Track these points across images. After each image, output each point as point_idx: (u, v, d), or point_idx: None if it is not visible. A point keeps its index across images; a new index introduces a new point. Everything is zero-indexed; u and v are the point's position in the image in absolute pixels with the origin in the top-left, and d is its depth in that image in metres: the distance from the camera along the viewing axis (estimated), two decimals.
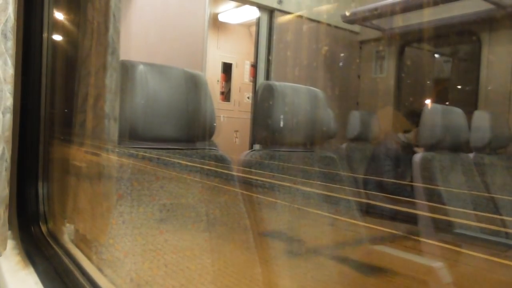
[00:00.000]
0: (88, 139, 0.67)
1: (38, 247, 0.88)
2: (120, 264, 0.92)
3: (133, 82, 1.03)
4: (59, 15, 0.95)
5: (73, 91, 0.75)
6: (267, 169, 1.32)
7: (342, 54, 3.54)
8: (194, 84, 1.17)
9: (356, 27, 3.48)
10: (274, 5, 2.95)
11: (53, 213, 0.93)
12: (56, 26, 0.95)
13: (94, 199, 0.64)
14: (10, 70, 0.65)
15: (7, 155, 0.67)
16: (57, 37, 0.97)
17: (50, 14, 0.94)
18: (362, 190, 2.79)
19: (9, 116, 0.66)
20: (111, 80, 0.60)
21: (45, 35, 0.95)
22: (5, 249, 0.72)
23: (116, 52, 0.60)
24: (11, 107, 0.66)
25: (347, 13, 2.95)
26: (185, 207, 1.09)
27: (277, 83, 1.40)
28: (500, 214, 2.12)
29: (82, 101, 0.69)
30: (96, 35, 0.63)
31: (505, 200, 2.19)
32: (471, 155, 2.29)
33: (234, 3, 3.73)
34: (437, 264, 1.04)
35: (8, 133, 0.66)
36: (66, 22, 0.95)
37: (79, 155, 0.71)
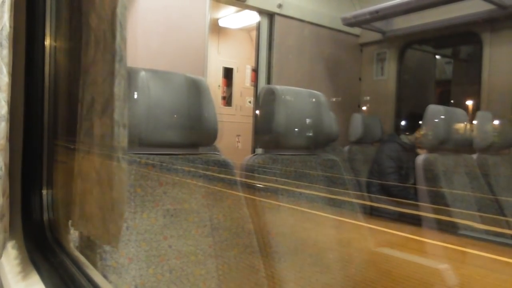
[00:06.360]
0: (96, 146, 0.67)
1: (43, 254, 0.88)
2: (125, 270, 0.92)
3: (135, 89, 1.04)
4: (61, 24, 0.96)
5: (77, 99, 0.75)
6: (270, 173, 1.32)
7: (343, 57, 3.55)
8: (195, 90, 1.18)
9: (356, 30, 3.49)
10: (274, 9, 2.96)
11: (57, 220, 0.93)
12: (59, 35, 0.96)
13: (104, 205, 0.64)
14: (6, 79, 0.65)
15: (2, 163, 0.67)
16: (60, 46, 0.97)
17: (52, 22, 0.95)
18: (365, 193, 2.78)
19: (4, 125, 0.66)
20: (120, 87, 0.61)
21: (47, 43, 0.95)
22: (0, 257, 0.73)
23: (123, 59, 0.61)
24: (7, 116, 0.67)
25: (347, 16, 2.96)
26: (188, 212, 1.09)
27: (278, 86, 1.40)
28: (505, 215, 2.11)
29: (87, 108, 0.69)
30: (102, 44, 0.63)
31: (510, 201, 2.18)
32: (474, 156, 2.29)
33: (234, 8, 3.74)
34: (443, 266, 1.04)
35: (3, 142, 0.67)
36: (68, 31, 0.95)
37: (86, 162, 0.72)
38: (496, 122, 2.28)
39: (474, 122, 2.29)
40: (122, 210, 0.64)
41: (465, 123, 2.18)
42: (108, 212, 0.64)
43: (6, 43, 0.65)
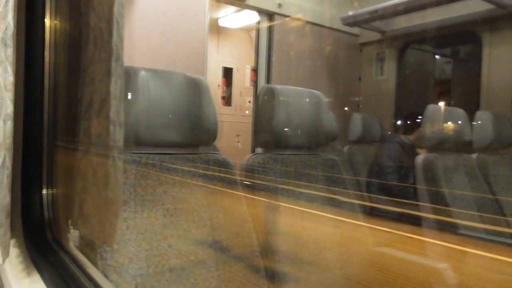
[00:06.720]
0: (93, 145, 0.67)
1: (43, 253, 0.88)
2: (125, 269, 0.93)
3: (135, 88, 1.04)
4: (60, 23, 0.96)
5: (76, 98, 0.75)
6: (270, 172, 1.32)
7: (342, 57, 3.55)
8: (195, 89, 1.18)
9: (356, 30, 3.49)
10: (274, 9, 2.96)
11: (57, 220, 0.93)
12: (58, 34, 0.96)
13: (101, 205, 0.64)
14: (11, 78, 0.65)
15: (8, 162, 0.67)
16: (60, 45, 0.97)
17: (52, 21, 0.95)
18: (365, 193, 2.78)
19: (10, 124, 0.66)
20: (116, 86, 0.61)
21: (47, 42, 0.95)
22: (7, 257, 0.72)
23: (120, 58, 0.61)
24: (12, 115, 0.66)
25: (347, 16, 2.96)
26: (188, 211, 1.09)
27: (278, 86, 1.40)
28: (504, 215, 2.11)
29: (86, 107, 0.69)
30: (100, 42, 0.63)
31: (509, 200, 2.18)
32: (474, 155, 2.29)
33: (234, 8, 3.74)
34: (441, 265, 1.04)
35: (9, 141, 0.66)
36: (67, 30, 0.95)
37: (84, 162, 0.72)
38: (495, 121, 2.28)
39: (474, 121, 2.29)
40: (117, 209, 0.64)
41: (465, 122, 2.18)
42: (103, 211, 0.64)
43: (10, 42, 0.64)
